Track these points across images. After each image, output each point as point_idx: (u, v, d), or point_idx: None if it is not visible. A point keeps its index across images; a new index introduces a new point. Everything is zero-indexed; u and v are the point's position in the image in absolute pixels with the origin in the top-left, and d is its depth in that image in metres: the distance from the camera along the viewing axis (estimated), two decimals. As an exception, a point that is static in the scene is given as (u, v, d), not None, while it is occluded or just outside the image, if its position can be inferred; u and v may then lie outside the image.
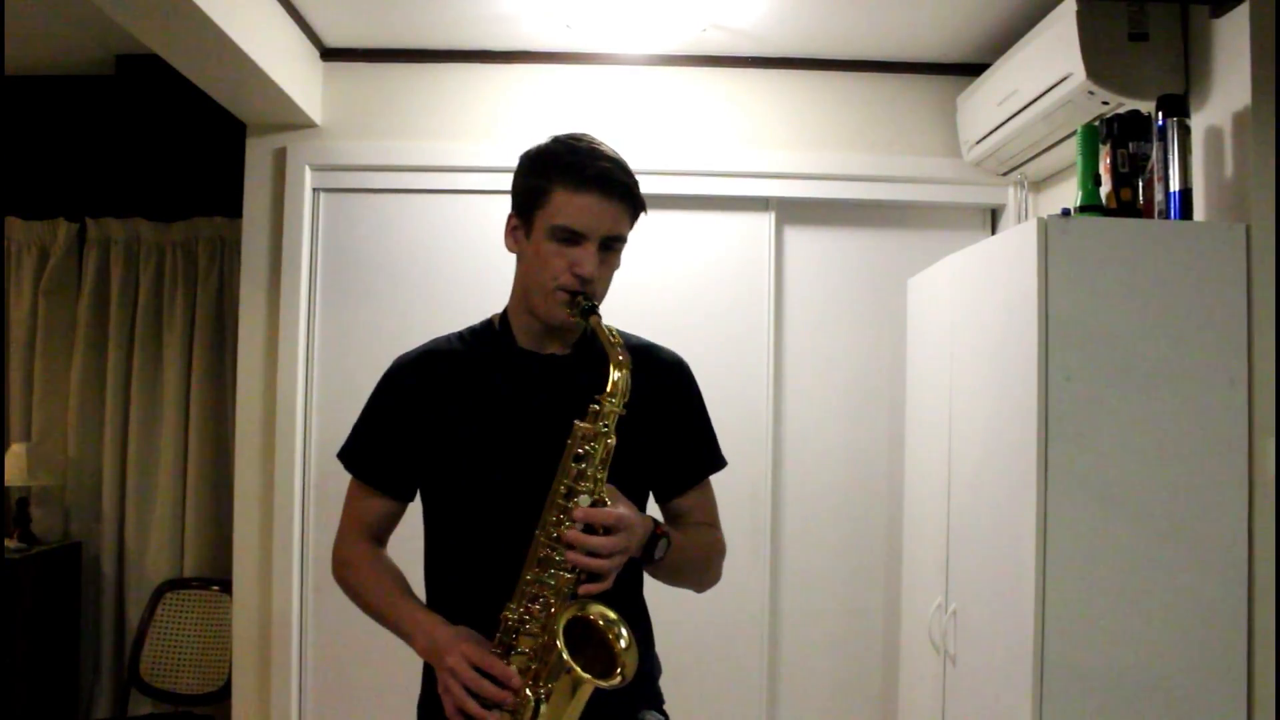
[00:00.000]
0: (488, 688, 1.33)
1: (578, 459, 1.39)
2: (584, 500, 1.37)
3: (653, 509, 1.61)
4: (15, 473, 3.38)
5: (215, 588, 3.45)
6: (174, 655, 3.41)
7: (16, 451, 3.42)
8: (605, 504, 1.37)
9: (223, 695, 3.28)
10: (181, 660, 3.41)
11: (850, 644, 3.22)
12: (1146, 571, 2.01)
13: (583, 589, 1.35)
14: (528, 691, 1.34)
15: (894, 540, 3.14)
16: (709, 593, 3.27)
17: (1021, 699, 2.02)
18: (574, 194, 1.42)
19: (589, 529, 1.35)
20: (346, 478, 1.61)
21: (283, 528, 3.07)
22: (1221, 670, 2.01)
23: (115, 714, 3.48)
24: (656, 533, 1.43)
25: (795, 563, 3.21)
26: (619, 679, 1.35)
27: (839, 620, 3.22)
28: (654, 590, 1.62)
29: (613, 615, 1.39)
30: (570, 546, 1.34)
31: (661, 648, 1.66)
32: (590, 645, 1.37)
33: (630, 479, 1.49)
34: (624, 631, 1.38)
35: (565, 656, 1.31)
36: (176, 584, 3.48)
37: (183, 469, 3.55)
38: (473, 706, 1.33)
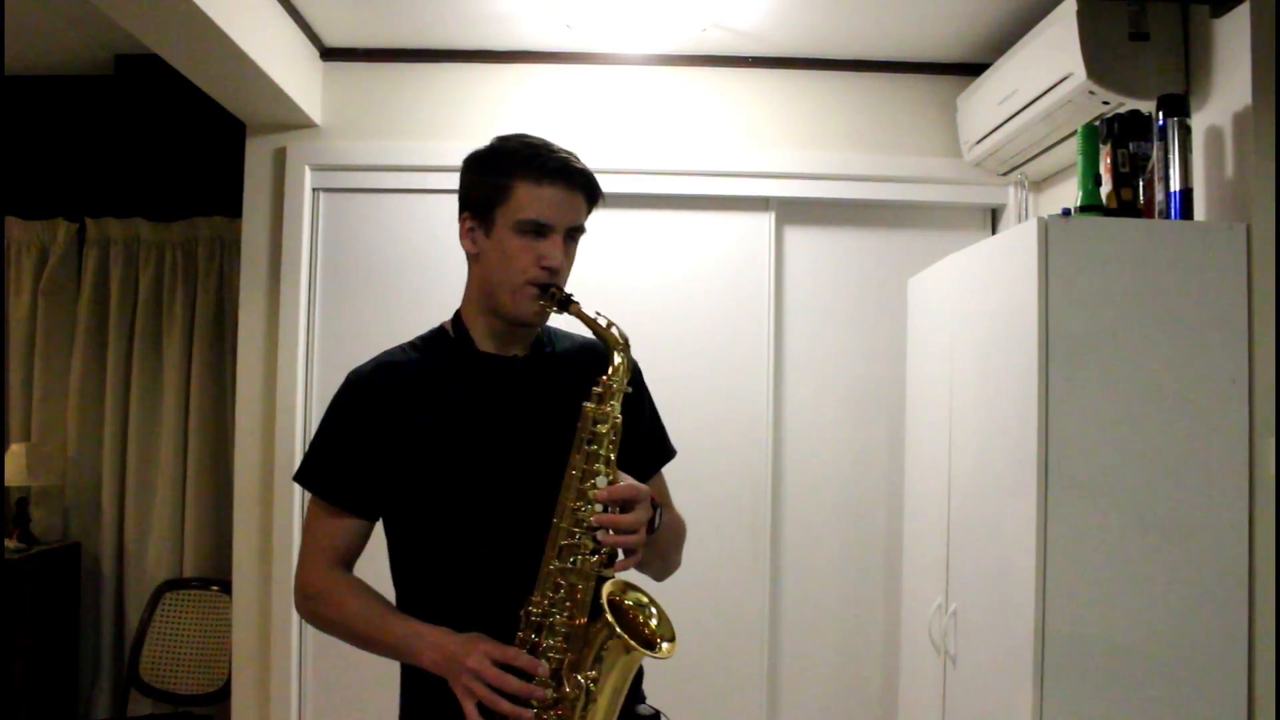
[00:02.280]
0: (514, 683, 1.31)
1: (589, 441, 1.39)
2: (601, 481, 1.37)
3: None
4: (15, 473, 3.38)
5: (215, 588, 3.45)
6: (174, 655, 3.41)
7: (16, 451, 3.42)
8: (617, 482, 1.38)
9: (223, 695, 3.28)
10: (181, 660, 3.41)
11: (850, 644, 3.22)
12: (1147, 571, 2.01)
13: (618, 565, 1.36)
14: (579, 678, 1.34)
15: (894, 540, 3.14)
16: (708, 592, 3.28)
17: (1021, 699, 2.02)
18: (538, 186, 1.43)
19: (606, 508, 1.36)
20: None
21: (283, 528, 3.07)
22: (1223, 671, 2.01)
23: (115, 714, 3.48)
24: (653, 501, 1.44)
25: (795, 563, 3.21)
26: (666, 648, 1.36)
27: (839, 620, 3.22)
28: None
29: (645, 599, 1.40)
30: (592, 528, 1.36)
31: (661, 648, 1.66)
32: (623, 627, 1.36)
33: None
34: (655, 611, 1.40)
35: (616, 629, 1.31)
36: (176, 584, 3.48)
37: (183, 469, 3.55)
38: (505, 706, 1.30)
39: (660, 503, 1.48)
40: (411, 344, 1.58)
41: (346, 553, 1.51)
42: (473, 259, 1.52)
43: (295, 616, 3.07)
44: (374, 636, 1.44)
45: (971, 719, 2.36)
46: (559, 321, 1.54)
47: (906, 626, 2.90)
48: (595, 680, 1.34)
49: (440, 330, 1.58)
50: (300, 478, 1.53)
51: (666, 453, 1.66)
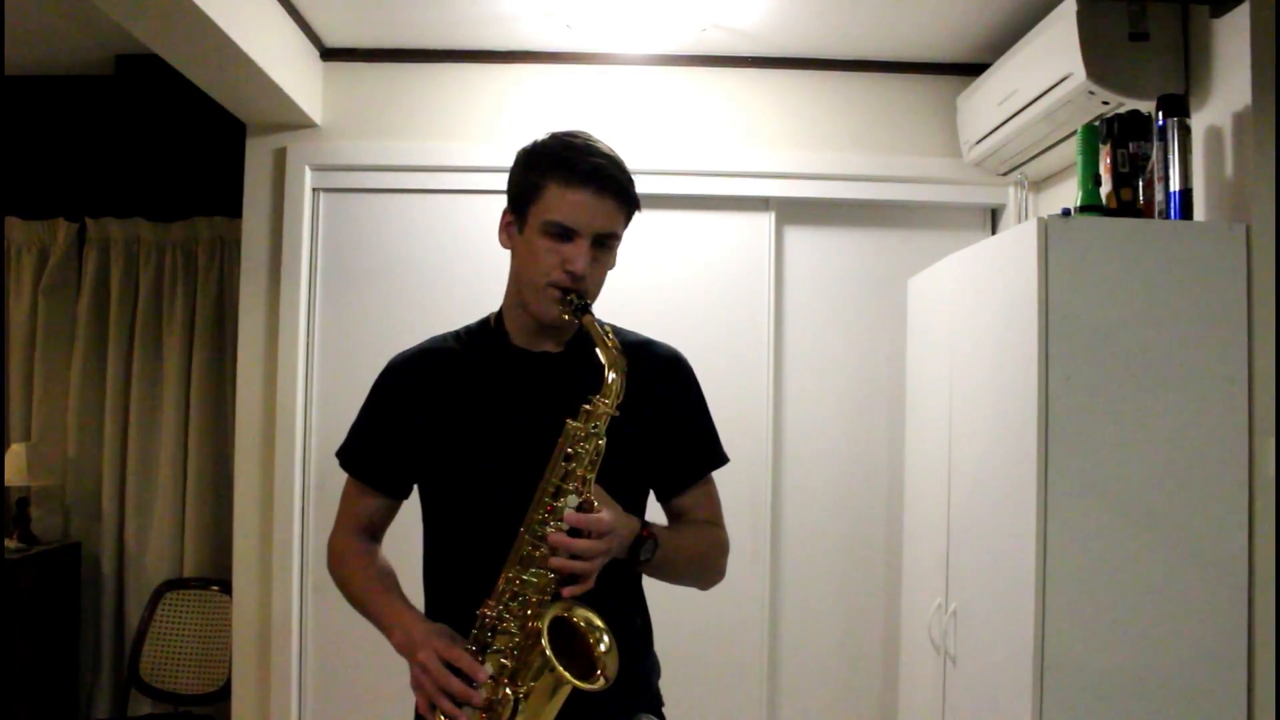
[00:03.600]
0: (455, 684, 1.33)
1: (567, 459, 1.39)
2: (571, 501, 1.36)
3: (654, 507, 1.61)
4: (15, 473, 3.38)
5: (215, 588, 3.45)
6: (174, 655, 3.41)
7: (16, 451, 3.42)
8: (592, 505, 1.36)
9: (223, 695, 3.28)
10: (181, 660, 3.41)
11: (850, 644, 3.22)
12: (1146, 571, 2.01)
13: (566, 591, 1.35)
14: (507, 690, 1.34)
15: (894, 540, 3.14)
16: (709, 592, 3.27)
17: (1021, 699, 2.02)
18: (567, 190, 1.42)
19: (573, 531, 1.35)
20: (346, 477, 1.63)
21: (283, 528, 3.07)
22: (1222, 670, 2.01)
23: (115, 714, 3.48)
24: (642, 535, 1.43)
25: (795, 563, 3.21)
26: (600, 682, 1.34)
27: (839, 620, 3.22)
28: (653, 590, 1.62)
29: (597, 621, 1.39)
30: (554, 549, 1.35)
31: (661, 648, 1.66)
32: (570, 647, 1.37)
33: (630, 477, 1.49)
34: (606, 637, 1.38)
35: (549, 655, 1.31)
36: (176, 584, 3.49)
37: (183, 469, 3.55)
38: (445, 704, 1.33)
39: (660, 529, 1.47)
40: (456, 333, 1.61)
41: (372, 525, 1.61)
42: (511, 254, 1.52)
43: (296, 616, 3.07)
44: (365, 606, 1.54)
45: (971, 719, 2.36)
46: (622, 325, 1.54)
47: (906, 626, 2.90)
48: (525, 696, 1.34)
49: (485, 321, 1.60)
50: (339, 454, 1.62)
51: (715, 459, 1.62)
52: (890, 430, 3.22)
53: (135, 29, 2.44)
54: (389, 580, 1.55)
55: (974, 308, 2.41)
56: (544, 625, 1.33)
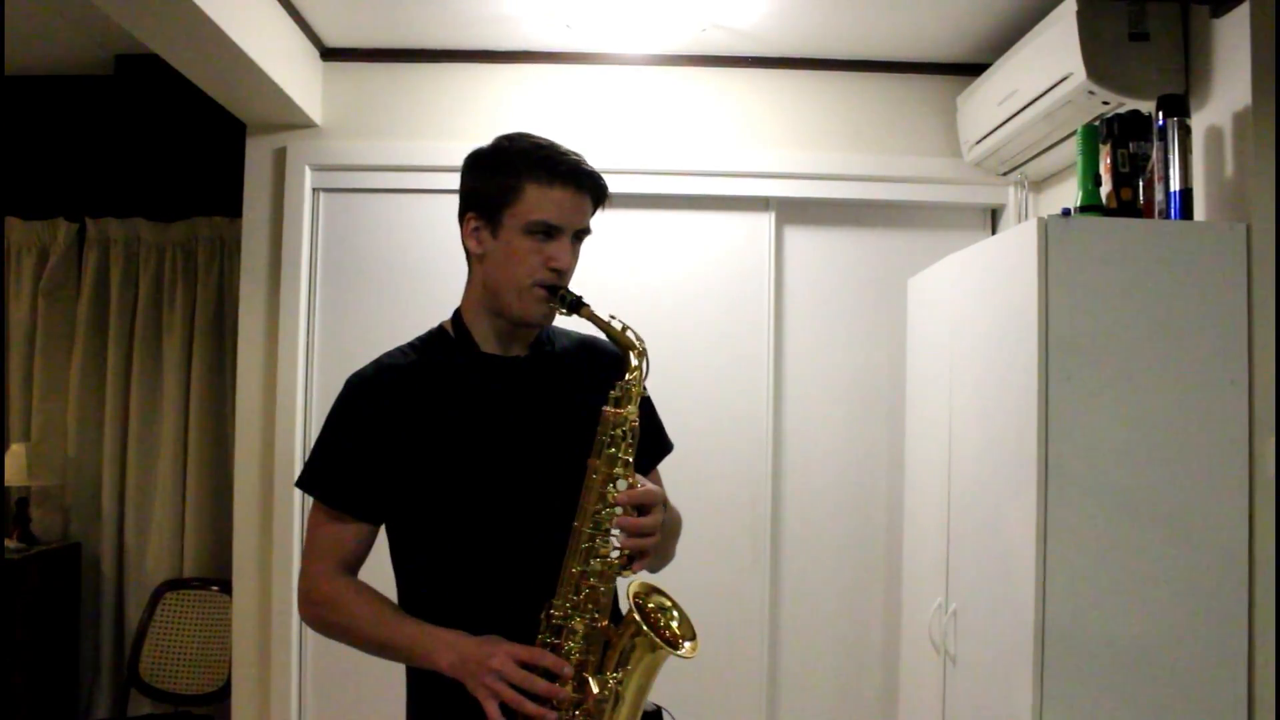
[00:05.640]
0: (540, 684, 1.31)
1: (609, 445, 1.40)
2: (621, 485, 1.39)
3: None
4: (15, 473, 3.38)
5: (215, 588, 3.45)
6: (174, 655, 3.41)
7: (16, 451, 3.42)
8: (635, 485, 1.40)
9: (223, 695, 3.28)
10: (181, 660, 3.41)
11: (850, 644, 3.22)
12: (1147, 572, 2.01)
13: (636, 566, 1.39)
14: (609, 679, 1.36)
15: (894, 540, 3.14)
16: (709, 592, 3.28)
17: (1021, 699, 2.02)
18: (548, 188, 1.43)
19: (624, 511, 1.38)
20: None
21: (283, 528, 3.07)
22: (1223, 670, 2.01)
23: (115, 714, 3.48)
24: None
25: (795, 563, 3.21)
26: (691, 647, 1.39)
27: (839, 620, 3.22)
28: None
29: (668, 602, 1.44)
30: (612, 531, 1.38)
31: (661, 647, 1.66)
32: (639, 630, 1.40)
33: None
34: (677, 614, 1.43)
35: (644, 629, 1.34)
36: (176, 584, 3.48)
37: (183, 469, 3.55)
38: (531, 708, 1.30)
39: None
40: (411, 345, 1.56)
41: (351, 559, 1.48)
42: (477, 259, 1.51)
43: (295, 616, 3.06)
44: (385, 641, 1.42)
45: (971, 719, 2.36)
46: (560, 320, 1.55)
47: (906, 626, 2.90)
48: (621, 681, 1.36)
49: (440, 331, 1.56)
50: (302, 483, 1.50)
51: (665, 447, 1.68)
52: (890, 430, 3.22)
53: (135, 29, 2.44)
54: (397, 608, 1.45)
55: (974, 308, 2.41)
56: (631, 598, 1.37)
